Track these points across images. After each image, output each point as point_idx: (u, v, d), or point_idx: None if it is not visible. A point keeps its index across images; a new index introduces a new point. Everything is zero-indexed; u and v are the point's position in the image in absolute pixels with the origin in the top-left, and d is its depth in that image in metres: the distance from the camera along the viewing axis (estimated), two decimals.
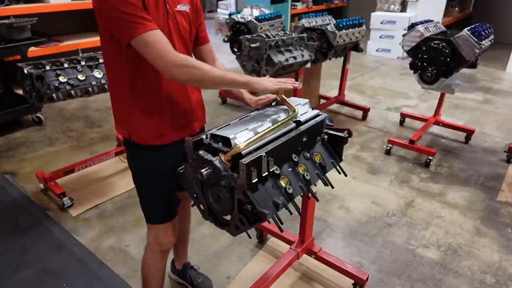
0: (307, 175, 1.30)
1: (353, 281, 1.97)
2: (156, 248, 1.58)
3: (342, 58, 4.05)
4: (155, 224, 1.53)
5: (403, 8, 6.95)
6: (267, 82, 1.36)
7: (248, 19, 3.84)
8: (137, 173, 1.47)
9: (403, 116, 4.02)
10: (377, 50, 6.94)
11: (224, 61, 6.31)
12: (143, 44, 1.17)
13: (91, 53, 2.61)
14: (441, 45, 2.84)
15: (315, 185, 1.44)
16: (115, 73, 1.34)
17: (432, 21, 3.36)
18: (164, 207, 1.51)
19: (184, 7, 1.36)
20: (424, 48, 2.93)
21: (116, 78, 1.34)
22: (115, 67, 1.32)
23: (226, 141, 1.19)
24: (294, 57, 3.00)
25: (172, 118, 1.39)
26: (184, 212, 1.87)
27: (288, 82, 1.40)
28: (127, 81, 1.30)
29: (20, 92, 3.52)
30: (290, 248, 2.00)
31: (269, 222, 1.30)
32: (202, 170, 1.14)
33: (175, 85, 1.36)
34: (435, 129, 3.90)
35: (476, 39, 2.73)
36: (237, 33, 3.91)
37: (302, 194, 1.31)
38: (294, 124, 1.37)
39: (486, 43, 2.92)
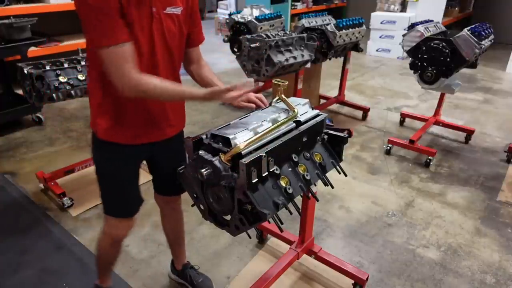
0: (307, 175, 1.30)
1: (353, 281, 1.97)
2: (107, 237, 1.64)
3: (342, 58, 4.05)
4: (110, 216, 1.57)
5: (403, 8, 6.95)
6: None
7: (248, 19, 3.84)
8: (97, 165, 1.52)
9: (403, 116, 4.02)
10: (377, 50, 6.94)
11: (224, 61, 6.32)
12: (101, 58, 1.18)
13: None
14: (441, 45, 2.84)
15: (315, 185, 1.44)
16: (91, 70, 1.36)
17: (432, 21, 3.36)
18: (120, 204, 1.55)
19: (175, 10, 1.32)
20: (424, 48, 2.93)
21: (91, 74, 1.37)
22: (92, 64, 1.34)
23: (226, 141, 1.19)
24: (294, 57, 3.00)
25: (136, 122, 1.40)
26: (175, 213, 1.87)
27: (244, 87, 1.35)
28: (99, 79, 1.32)
29: (20, 92, 3.52)
30: (290, 248, 2.00)
31: (269, 222, 1.30)
32: (202, 170, 1.14)
33: None
34: (435, 129, 3.90)
35: (476, 39, 2.73)
36: (237, 33, 3.91)
37: (302, 194, 1.31)
38: (294, 124, 1.37)
39: (486, 43, 2.92)
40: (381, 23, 6.69)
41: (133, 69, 1.20)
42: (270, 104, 1.51)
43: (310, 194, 1.36)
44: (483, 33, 2.89)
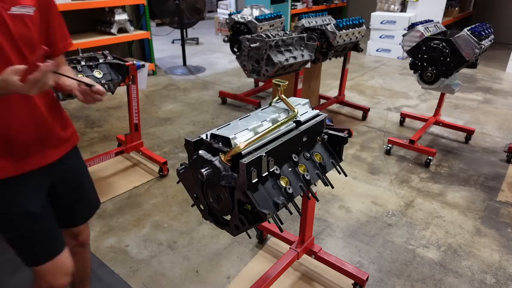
0: (307, 175, 1.30)
1: (353, 281, 1.97)
2: None
3: (342, 58, 4.05)
4: (36, 266, 1.30)
5: (403, 8, 6.95)
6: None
7: (248, 19, 3.84)
8: None
9: (403, 116, 4.02)
10: (377, 50, 6.94)
11: (224, 61, 6.31)
12: None
13: (91, 53, 2.61)
14: (441, 45, 2.84)
15: (315, 185, 1.45)
16: None
17: (432, 21, 3.36)
18: (38, 246, 1.30)
19: (24, 10, 1.12)
20: (424, 48, 2.93)
21: None
22: None
23: (226, 141, 1.19)
24: (294, 57, 3.00)
25: (6, 148, 1.19)
26: (84, 250, 1.60)
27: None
28: None
29: None
30: (290, 248, 2.00)
31: (269, 222, 1.30)
32: (202, 170, 1.14)
33: (4, 109, 1.15)
34: (435, 129, 3.90)
35: (476, 39, 2.73)
36: (237, 33, 3.92)
37: (302, 194, 1.31)
38: (294, 124, 1.37)
39: (486, 43, 2.92)
40: (381, 23, 6.69)
41: None
42: (270, 104, 1.51)
43: (310, 194, 1.36)
44: (483, 33, 2.89)
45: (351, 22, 3.52)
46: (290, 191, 1.22)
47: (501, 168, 3.22)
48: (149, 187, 2.84)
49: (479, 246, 2.33)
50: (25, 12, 1.13)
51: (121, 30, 4.98)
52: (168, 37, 7.64)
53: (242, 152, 1.15)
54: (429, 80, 2.98)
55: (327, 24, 3.44)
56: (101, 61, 2.55)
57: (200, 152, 1.18)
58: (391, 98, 4.85)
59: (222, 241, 2.33)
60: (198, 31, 8.42)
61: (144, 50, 5.78)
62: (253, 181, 1.14)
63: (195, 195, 1.33)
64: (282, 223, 1.22)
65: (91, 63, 2.51)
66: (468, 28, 2.84)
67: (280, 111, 1.41)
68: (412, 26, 3.07)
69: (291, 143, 1.30)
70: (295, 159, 1.31)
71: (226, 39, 4.09)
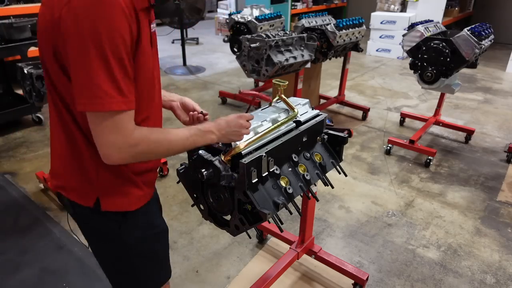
0: (307, 175, 1.30)
1: (353, 281, 1.97)
2: None
3: (342, 58, 4.05)
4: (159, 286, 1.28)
5: (403, 8, 6.95)
6: (238, 121, 1.13)
7: (248, 19, 3.84)
8: (130, 250, 1.15)
9: (403, 116, 4.02)
10: (377, 50, 6.94)
11: (224, 61, 6.32)
12: (95, 122, 0.91)
13: None
14: (441, 45, 2.84)
15: (315, 185, 1.45)
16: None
17: (432, 21, 3.36)
18: (165, 263, 1.29)
19: (154, 26, 1.04)
20: (424, 48, 2.93)
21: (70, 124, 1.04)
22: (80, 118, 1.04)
23: None
24: (294, 57, 3.00)
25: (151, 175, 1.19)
26: None
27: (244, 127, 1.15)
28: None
29: (20, 92, 3.52)
30: (290, 248, 2.00)
31: (269, 222, 1.30)
32: (202, 170, 1.14)
33: None
34: (435, 129, 3.90)
35: (476, 39, 2.73)
36: (237, 33, 3.92)
37: (302, 194, 1.31)
38: (294, 124, 1.37)
39: (486, 43, 2.92)
40: (381, 23, 6.69)
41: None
42: (270, 104, 1.51)
43: (310, 194, 1.36)
44: (483, 33, 2.89)
45: (351, 22, 3.52)
46: (290, 191, 1.22)
47: (501, 168, 3.22)
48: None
49: (479, 246, 2.33)
50: (155, 29, 1.05)
51: None
52: (168, 37, 7.64)
53: (242, 152, 1.15)
54: (429, 80, 2.98)
55: (327, 24, 3.44)
56: None
57: (200, 152, 1.18)
58: (391, 98, 4.85)
59: (222, 241, 2.33)
60: (198, 31, 8.42)
61: None
62: (253, 181, 1.14)
63: (195, 195, 1.33)
64: (282, 223, 1.22)
65: None
66: (468, 28, 2.84)
67: (280, 111, 1.41)
68: (412, 26, 3.07)
69: (291, 143, 1.30)
70: (295, 159, 1.30)
71: (226, 39, 4.09)
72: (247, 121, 1.16)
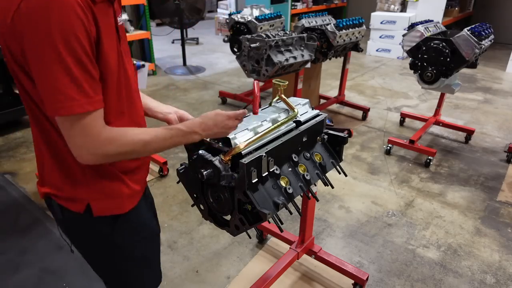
0: (307, 175, 1.30)
1: (353, 281, 1.97)
2: None
3: (342, 58, 4.05)
4: None
5: (403, 8, 6.95)
6: (226, 122, 1.10)
7: (248, 19, 3.84)
8: (121, 252, 1.14)
9: (403, 116, 4.02)
10: (377, 50, 6.94)
11: (224, 61, 6.31)
12: (64, 125, 0.90)
13: None
14: (441, 45, 2.84)
15: (315, 185, 1.45)
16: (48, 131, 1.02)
17: (432, 21, 3.36)
18: (156, 268, 1.28)
19: (122, 19, 1.02)
20: (424, 48, 2.93)
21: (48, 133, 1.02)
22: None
23: (226, 141, 1.19)
24: (294, 57, 3.00)
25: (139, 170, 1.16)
26: None
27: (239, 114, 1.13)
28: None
29: None
30: (290, 248, 2.00)
31: (269, 222, 1.30)
32: (202, 170, 1.14)
33: None
34: (435, 129, 3.90)
35: (476, 39, 2.73)
36: (237, 33, 3.92)
37: (302, 194, 1.31)
38: (294, 124, 1.37)
39: (486, 43, 2.92)
40: (381, 23, 6.69)
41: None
42: (270, 104, 1.51)
43: (310, 194, 1.36)
44: (483, 33, 2.89)
45: (351, 22, 3.52)
46: (290, 191, 1.22)
47: (501, 168, 3.22)
48: (149, 187, 2.83)
49: (479, 246, 2.33)
50: (122, 22, 1.03)
51: None
52: (168, 37, 7.64)
53: (242, 152, 1.15)
54: (429, 80, 2.98)
55: (327, 24, 3.44)
56: None
57: (200, 152, 1.18)
58: (391, 98, 4.85)
59: (222, 241, 2.33)
60: (198, 31, 8.42)
61: (144, 50, 5.78)
62: (253, 181, 1.14)
63: (195, 195, 1.33)
64: (282, 223, 1.22)
65: None
66: (468, 28, 2.84)
67: (280, 111, 1.41)
68: (412, 26, 3.07)
69: (291, 143, 1.30)
70: (295, 159, 1.30)
71: (226, 39, 4.09)
72: (237, 119, 1.13)
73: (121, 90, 0.98)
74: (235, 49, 4.02)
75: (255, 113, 1.18)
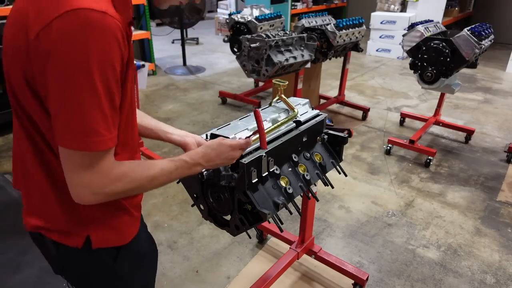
0: (307, 175, 1.30)
1: (353, 281, 1.97)
2: None
3: (342, 58, 4.05)
4: None
5: (403, 8, 6.95)
6: (230, 153, 1.04)
7: (248, 19, 3.84)
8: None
9: (403, 116, 4.02)
10: (377, 50, 6.94)
11: (224, 61, 6.30)
12: (69, 159, 0.81)
13: None
14: (441, 45, 2.84)
15: (315, 185, 1.45)
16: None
17: (432, 21, 3.36)
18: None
19: None
20: (424, 48, 2.93)
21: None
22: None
23: None
24: (294, 57, 3.00)
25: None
26: None
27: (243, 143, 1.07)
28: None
29: None
30: (290, 248, 2.00)
31: (269, 222, 1.30)
32: (202, 170, 1.14)
33: None
34: (435, 129, 3.90)
35: (476, 39, 2.73)
36: (237, 33, 3.92)
37: (302, 194, 1.31)
38: (294, 124, 1.37)
39: (486, 43, 2.92)
40: (381, 23, 6.69)
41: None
42: (270, 104, 1.51)
43: (310, 194, 1.36)
44: (483, 33, 2.89)
45: (351, 22, 3.52)
46: (290, 191, 1.22)
47: (501, 168, 3.22)
48: None
49: (479, 246, 2.33)
50: None
51: None
52: (168, 37, 7.64)
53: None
54: (429, 80, 2.98)
55: (327, 24, 3.44)
56: None
57: None
58: (391, 98, 4.85)
59: (222, 241, 2.33)
60: (198, 31, 8.42)
61: (144, 50, 5.78)
62: (253, 181, 1.14)
63: (195, 195, 1.33)
64: (282, 223, 1.22)
65: None
66: (468, 28, 2.84)
67: (280, 111, 1.41)
68: (412, 26, 3.07)
69: (291, 143, 1.30)
70: (295, 159, 1.31)
71: (226, 39, 4.09)
72: (241, 149, 1.07)
73: (128, 117, 0.90)
74: (235, 49, 4.02)
75: (263, 147, 1.14)
